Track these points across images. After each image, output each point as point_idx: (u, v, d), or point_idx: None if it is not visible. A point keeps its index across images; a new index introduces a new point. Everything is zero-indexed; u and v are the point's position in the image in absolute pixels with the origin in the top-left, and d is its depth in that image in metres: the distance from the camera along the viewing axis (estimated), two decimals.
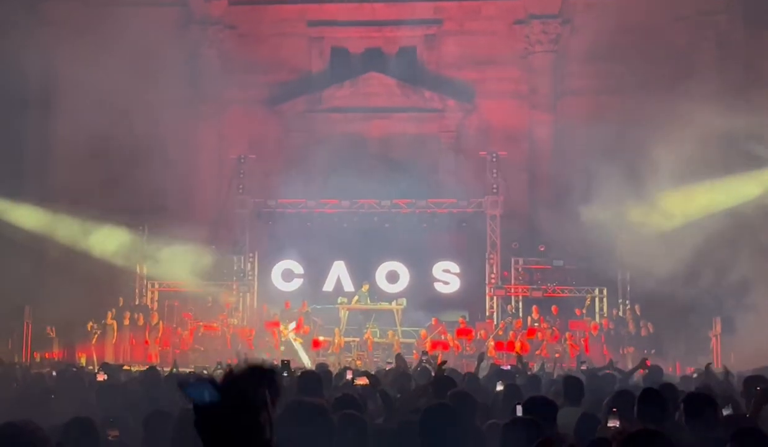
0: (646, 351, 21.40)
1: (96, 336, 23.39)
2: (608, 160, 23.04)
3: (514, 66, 27.53)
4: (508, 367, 12.72)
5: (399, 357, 13.28)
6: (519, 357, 14.00)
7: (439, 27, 28.04)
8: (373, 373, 11.11)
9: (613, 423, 5.70)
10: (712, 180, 22.04)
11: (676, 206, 22.33)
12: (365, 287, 24.46)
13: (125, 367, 15.83)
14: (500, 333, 23.08)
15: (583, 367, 13.59)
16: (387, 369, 13.58)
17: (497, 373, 11.49)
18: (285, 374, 9.54)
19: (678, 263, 20.76)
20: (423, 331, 23.34)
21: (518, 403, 5.55)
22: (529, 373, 12.40)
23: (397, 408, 6.92)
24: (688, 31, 26.23)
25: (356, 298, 24.34)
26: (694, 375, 11.97)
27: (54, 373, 13.26)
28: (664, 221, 22.29)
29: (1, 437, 3.25)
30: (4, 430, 3.30)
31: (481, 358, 12.21)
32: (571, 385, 8.22)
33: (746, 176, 22.28)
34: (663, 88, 22.18)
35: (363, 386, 8.19)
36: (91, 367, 18.28)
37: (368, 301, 24.33)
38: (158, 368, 13.26)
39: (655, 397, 6.24)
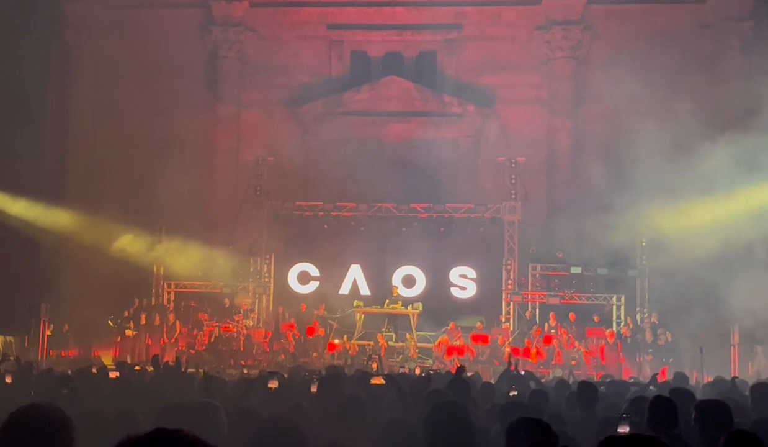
0: (664, 360, 21.23)
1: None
2: (628, 167, 22.91)
3: (534, 72, 27.42)
4: (522, 372, 12.61)
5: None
6: (510, 356, 13.89)
7: (459, 32, 27.97)
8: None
9: (623, 429, 5.60)
10: (734, 187, 21.81)
11: (697, 214, 22.11)
12: (395, 290, 24.30)
13: (136, 368, 15.81)
14: (506, 345, 22.72)
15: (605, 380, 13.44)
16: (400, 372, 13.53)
17: (510, 378, 11.41)
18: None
19: (698, 271, 20.56)
20: (445, 338, 23.15)
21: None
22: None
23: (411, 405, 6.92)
24: (712, 38, 26.06)
25: (387, 301, 24.10)
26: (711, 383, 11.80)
27: (69, 372, 13.25)
28: (684, 229, 22.07)
29: (24, 418, 3.27)
30: (27, 411, 3.33)
31: (507, 372, 12.00)
32: (586, 390, 8.13)
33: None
34: (685, 96, 22.01)
35: (379, 386, 8.15)
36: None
37: (400, 303, 24.07)
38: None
39: (666, 404, 6.13)
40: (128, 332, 23.65)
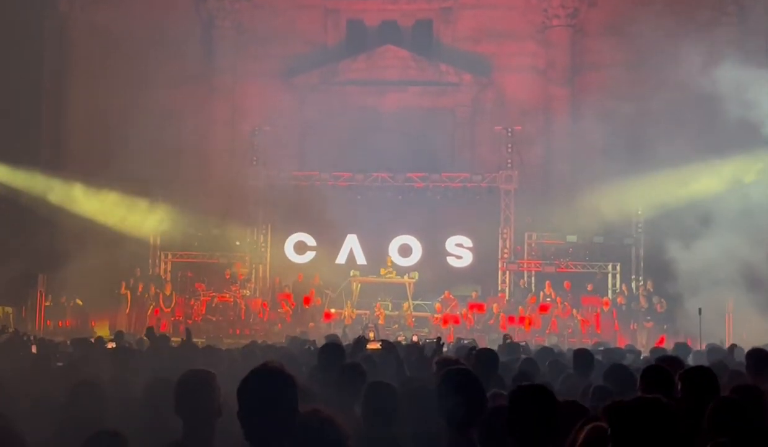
0: (666, 326, 21.35)
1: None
2: (625, 135, 22.90)
3: (531, 40, 27.29)
4: (524, 343, 12.70)
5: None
6: (505, 336, 13.78)
7: (455, 0, 27.78)
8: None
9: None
10: (731, 155, 21.84)
11: (693, 182, 22.16)
12: (389, 261, 24.44)
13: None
14: (500, 313, 22.81)
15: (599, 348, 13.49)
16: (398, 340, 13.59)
17: (508, 347, 11.46)
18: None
19: (694, 239, 20.64)
20: (438, 305, 23.30)
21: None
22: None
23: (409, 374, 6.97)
24: (709, 6, 25.91)
25: (384, 271, 24.21)
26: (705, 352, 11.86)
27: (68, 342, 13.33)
28: (680, 197, 22.13)
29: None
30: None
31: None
32: (581, 357, 8.19)
33: (766, 152, 22.06)
34: (683, 63, 21.94)
35: (376, 351, 8.19)
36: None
37: (394, 273, 24.18)
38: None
39: (660, 373, 6.11)
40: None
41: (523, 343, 12.68)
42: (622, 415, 3.38)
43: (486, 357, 7.10)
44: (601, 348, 12.69)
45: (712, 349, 11.22)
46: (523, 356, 9.69)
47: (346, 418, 3.75)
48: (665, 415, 3.38)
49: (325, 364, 6.95)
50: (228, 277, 24.63)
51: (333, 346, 7.72)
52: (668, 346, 14.38)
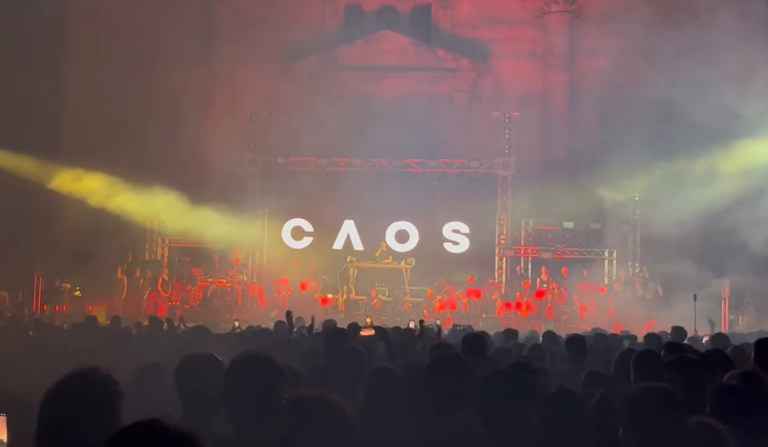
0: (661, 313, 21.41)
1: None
2: (623, 122, 22.89)
3: (529, 26, 27.25)
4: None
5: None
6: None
7: None
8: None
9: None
10: (729, 141, 21.84)
11: (690, 169, 22.17)
12: (384, 245, 24.51)
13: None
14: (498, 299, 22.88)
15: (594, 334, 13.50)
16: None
17: (507, 334, 11.48)
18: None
19: (690, 226, 20.67)
20: (430, 291, 23.35)
21: None
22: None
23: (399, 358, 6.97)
24: None
25: (379, 252, 24.28)
26: (704, 339, 11.90)
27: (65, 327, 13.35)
28: (678, 183, 22.15)
29: (68, 388, 3.12)
30: (72, 381, 3.13)
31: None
32: (574, 343, 8.19)
33: (763, 139, 22.07)
34: (680, 50, 21.92)
35: (369, 337, 8.19)
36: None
37: (391, 258, 24.25)
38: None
39: (652, 359, 6.10)
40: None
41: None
42: (631, 402, 3.45)
43: (473, 342, 7.10)
44: (595, 334, 12.70)
45: (714, 337, 11.24)
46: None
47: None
48: (672, 402, 3.45)
49: (327, 348, 6.98)
50: (217, 265, 24.56)
51: (334, 331, 7.75)
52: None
